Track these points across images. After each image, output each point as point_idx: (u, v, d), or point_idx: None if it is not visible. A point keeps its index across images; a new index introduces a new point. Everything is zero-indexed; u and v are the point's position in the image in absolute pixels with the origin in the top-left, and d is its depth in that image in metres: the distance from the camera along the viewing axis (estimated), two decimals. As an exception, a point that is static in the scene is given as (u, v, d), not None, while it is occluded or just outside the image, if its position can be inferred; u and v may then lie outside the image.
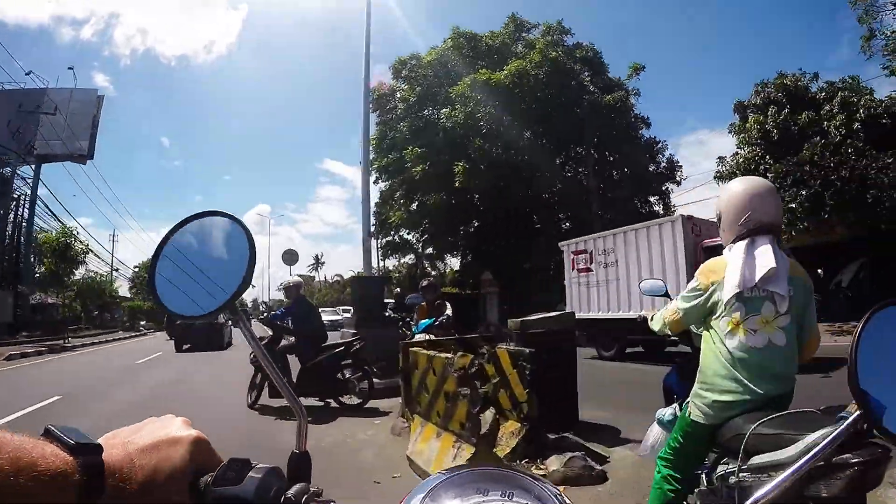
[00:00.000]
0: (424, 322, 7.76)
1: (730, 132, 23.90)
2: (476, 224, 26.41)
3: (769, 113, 21.23)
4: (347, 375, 7.63)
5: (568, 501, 0.56)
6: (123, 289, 58.55)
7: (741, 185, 2.26)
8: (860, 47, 17.71)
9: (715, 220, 2.38)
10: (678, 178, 25.89)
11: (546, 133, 23.66)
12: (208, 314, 0.75)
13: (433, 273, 32.17)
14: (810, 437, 1.60)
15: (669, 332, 2.49)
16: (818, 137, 18.83)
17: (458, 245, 26.86)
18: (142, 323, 49.35)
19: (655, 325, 2.52)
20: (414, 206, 26.10)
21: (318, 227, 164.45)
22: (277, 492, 0.60)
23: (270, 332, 8.02)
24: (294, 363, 7.65)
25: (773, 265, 2.08)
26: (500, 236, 23.98)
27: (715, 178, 23.42)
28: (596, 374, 9.48)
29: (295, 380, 7.36)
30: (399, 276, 33.93)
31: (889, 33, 16.51)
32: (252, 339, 0.78)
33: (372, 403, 7.44)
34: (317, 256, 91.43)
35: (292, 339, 8.01)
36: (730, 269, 2.16)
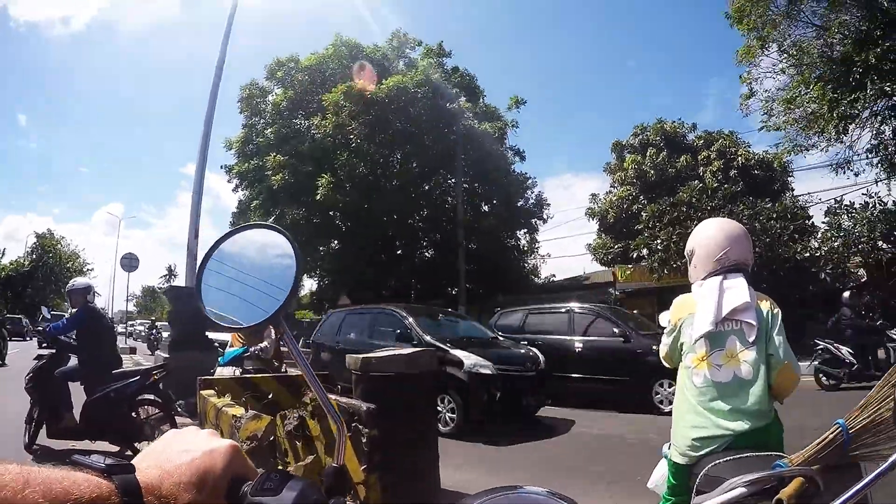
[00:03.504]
0: (233, 352, 5.95)
1: (605, 171, 24.75)
2: (336, 245, 24.67)
3: (647, 154, 22.12)
4: (143, 416, 5.73)
5: None
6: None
7: (719, 225, 2.34)
8: (739, 105, 18.45)
9: (686, 256, 2.42)
10: (545, 216, 26.10)
11: (417, 155, 22.78)
12: (253, 325, 0.77)
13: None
14: (728, 483, 1.53)
15: (667, 366, 2.44)
16: (696, 181, 19.71)
17: (317, 266, 24.97)
18: None
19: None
20: (272, 220, 23.93)
21: (175, 234, 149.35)
22: None
23: (52, 351, 5.93)
24: (78, 394, 5.71)
25: (747, 299, 2.08)
26: (361, 260, 22.48)
27: (586, 214, 24.07)
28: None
29: (78, 416, 5.47)
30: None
31: (770, 95, 17.41)
32: (299, 357, 0.76)
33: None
34: (170, 267, 78.93)
35: (77, 361, 5.92)
36: (701, 304, 2.15)
